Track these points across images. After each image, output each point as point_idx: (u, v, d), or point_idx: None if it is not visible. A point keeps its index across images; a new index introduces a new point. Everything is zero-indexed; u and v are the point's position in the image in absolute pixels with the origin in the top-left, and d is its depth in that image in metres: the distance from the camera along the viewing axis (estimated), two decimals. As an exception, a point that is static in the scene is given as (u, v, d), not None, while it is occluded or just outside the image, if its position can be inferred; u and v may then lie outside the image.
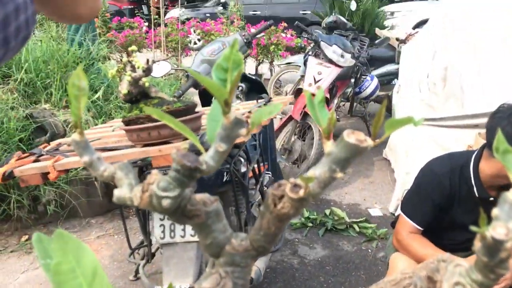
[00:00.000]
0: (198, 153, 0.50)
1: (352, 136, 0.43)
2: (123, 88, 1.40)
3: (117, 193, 0.53)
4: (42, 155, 1.63)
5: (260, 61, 6.88)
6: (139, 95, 1.45)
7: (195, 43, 9.28)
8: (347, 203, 3.48)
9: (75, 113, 0.52)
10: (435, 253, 1.70)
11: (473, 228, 0.35)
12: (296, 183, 0.45)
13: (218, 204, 0.51)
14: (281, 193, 0.46)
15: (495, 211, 0.34)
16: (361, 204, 3.47)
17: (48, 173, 1.45)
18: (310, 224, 3.12)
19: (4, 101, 2.91)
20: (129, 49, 1.42)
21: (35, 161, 1.58)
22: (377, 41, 4.43)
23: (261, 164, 2.36)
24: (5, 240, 2.86)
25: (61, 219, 3.01)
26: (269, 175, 2.67)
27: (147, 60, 1.40)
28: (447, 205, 1.80)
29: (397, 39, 5.05)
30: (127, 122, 1.43)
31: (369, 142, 0.43)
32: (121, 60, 1.44)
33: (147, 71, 1.40)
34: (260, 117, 0.48)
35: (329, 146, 0.44)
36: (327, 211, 3.25)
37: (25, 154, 1.65)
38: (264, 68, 7.18)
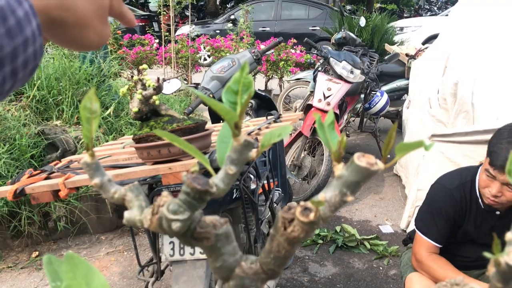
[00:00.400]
0: (207, 173, 0.50)
1: (362, 159, 0.43)
2: (134, 106, 1.41)
3: (127, 215, 0.53)
4: (53, 172, 1.64)
5: (270, 77, 6.91)
6: (149, 113, 1.46)
7: (205, 59, 9.36)
8: (357, 220, 3.45)
9: (86, 135, 0.53)
10: (455, 276, 1.69)
11: (486, 254, 0.34)
12: (306, 206, 0.44)
13: (228, 227, 0.51)
14: (291, 216, 0.46)
15: (509, 236, 0.34)
16: (371, 221, 3.44)
17: (59, 190, 1.46)
18: (321, 241, 3.09)
19: (17, 118, 2.95)
20: (140, 67, 1.43)
21: (46, 178, 1.59)
22: (387, 57, 4.44)
23: (271, 181, 2.36)
24: (15, 256, 2.86)
25: (71, 236, 3.02)
26: (279, 192, 2.66)
27: (158, 79, 1.41)
28: (459, 219, 1.79)
29: (407, 55, 5.05)
30: (137, 140, 1.44)
31: (379, 165, 0.43)
32: (132, 77, 1.45)
33: (157, 89, 1.41)
34: (270, 140, 0.48)
35: (340, 169, 0.44)
36: (338, 228, 3.22)
37: (37, 171, 1.67)
38: (273, 84, 7.21)
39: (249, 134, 1.76)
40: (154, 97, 1.42)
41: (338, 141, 0.43)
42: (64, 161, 1.84)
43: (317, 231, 3.16)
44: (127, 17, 0.58)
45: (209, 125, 2.15)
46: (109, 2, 0.51)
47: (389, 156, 0.42)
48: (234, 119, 0.45)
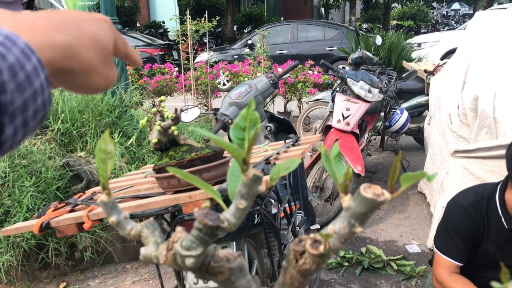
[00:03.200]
0: (218, 209, 0.51)
1: (369, 191, 0.43)
2: (153, 137, 1.44)
3: (143, 251, 0.55)
4: (77, 204, 1.68)
5: (288, 99, 6.94)
6: (168, 143, 1.48)
7: (224, 84, 9.48)
8: (383, 240, 3.40)
9: (102, 175, 0.55)
10: None
11: (494, 284, 0.34)
12: (316, 238, 0.45)
13: (241, 260, 0.52)
14: (302, 249, 0.46)
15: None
16: (397, 241, 3.38)
17: (83, 222, 1.49)
18: (346, 263, 3.05)
19: (42, 151, 3.02)
20: (158, 99, 1.47)
21: (71, 211, 1.62)
22: (404, 75, 4.42)
23: (292, 204, 2.35)
24: (44, 287, 2.90)
25: (97, 265, 3.05)
26: (301, 215, 2.65)
27: (175, 110, 1.44)
28: (477, 236, 1.75)
29: (426, 71, 5.02)
30: (157, 170, 1.47)
31: (386, 195, 0.43)
32: (153, 106, 1.49)
33: (176, 120, 1.44)
34: (278, 173, 0.49)
35: (347, 200, 0.44)
36: (363, 249, 3.17)
37: (61, 204, 1.70)
38: (292, 106, 7.24)
39: (267, 159, 1.77)
40: (173, 128, 1.45)
41: (344, 173, 0.44)
42: (88, 193, 1.88)
43: (342, 253, 3.12)
44: (132, 57, 0.60)
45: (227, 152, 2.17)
46: (113, 46, 0.53)
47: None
48: (242, 155, 0.46)
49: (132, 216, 1.83)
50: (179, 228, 0.52)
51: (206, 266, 0.51)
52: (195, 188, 1.46)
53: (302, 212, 2.69)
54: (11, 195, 2.73)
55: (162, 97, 1.50)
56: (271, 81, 2.94)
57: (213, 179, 1.45)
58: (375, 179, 4.55)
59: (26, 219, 2.68)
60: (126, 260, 3.14)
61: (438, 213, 3.16)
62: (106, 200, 0.55)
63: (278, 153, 1.91)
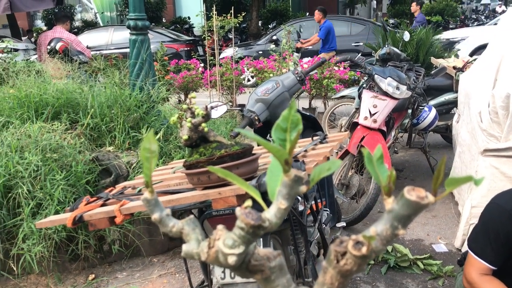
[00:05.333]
0: (257, 208, 0.52)
1: (412, 193, 0.43)
2: (184, 134, 1.46)
3: (185, 248, 0.56)
4: (109, 199, 1.71)
5: (313, 95, 6.91)
6: (198, 139, 1.50)
7: (248, 80, 9.50)
8: (409, 239, 3.36)
9: (146, 173, 0.56)
10: None
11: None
12: (358, 240, 0.45)
13: (281, 259, 0.53)
14: (343, 250, 0.47)
15: None
16: (424, 240, 3.34)
17: (115, 216, 1.53)
18: (372, 262, 3.03)
19: (73, 146, 3.09)
20: (189, 96, 1.49)
21: (103, 205, 1.66)
22: (433, 71, 4.35)
23: (319, 201, 2.35)
24: (73, 279, 2.98)
25: (125, 258, 3.11)
26: (327, 212, 2.64)
27: (206, 107, 1.46)
28: None
29: (455, 68, 4.93)
30: (188, 166, 1.48)
31: (430, 198, 0.43)
32: (179, 102, 1.51)
33: (206, 117, 1.46)
34: (319, 174, 0.49)
35: (390, 203, 0.44)
36: (389, 248, 3.15)
37: (93, 198, 1.74)
38: (317, 102, 7.20)
39: (295, 156, 1.77)
40: (203, 125, 1.46)
41: (387, 175, 0.44)
42: (118, 187, 1.92)
43: (367, 251, 3.10)
44: None
45: (256, 148, 2.18)
46: None
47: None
48: (284, 156, 0.47)
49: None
50: (220, 226, 0.53)
51: (246, 264, 0.52)
52: (225, 185, 1.48)
53: (328, 209, 2.68)
54: (42, 188, 2.80)
55: (193, 94, 1.52)
56: (298, 78, 2.92)
57: (242, 175, 1.47)
58: (401, 177, 4.51)
59: (57, 211, 2.75)
60: (152, 254, 3.19)
61: (466, 212, 3.11)
62: (150, 198, 0.57)
63: (305, 151, 1.91)
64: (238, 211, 0.50)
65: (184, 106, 1.50)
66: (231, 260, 0.48)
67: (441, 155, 3.94)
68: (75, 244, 2.87)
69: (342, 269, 0.47)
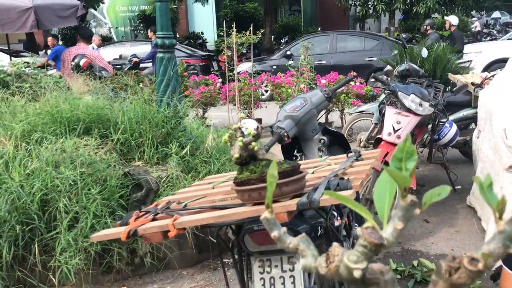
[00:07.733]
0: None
1: (523, 217, 0.50)
2: (235, 152, 1.54)
3: (303, 262, 0.63)
4: (157, 213, 1.79)
5: (330, 109, 6.99)
6: (248, 157, 1.58)
7: (262, 94, 9.62)
8: (434, 254, 3.40)
9: (268, 196, 0.64)
10: None
11: None
12: (473, 256, 0.52)
13: (392, 274, 0.60)
14: (457, 265, 0.53)
15: None
16: (449, 255, 3.35)
17: (168, 231, 1.60)
18: (398, 276, 3.07)
19: (105, 160, 3.18)
20: (239, 116, 1.57)
21: (153, 219, 1.73)
22: (455, 89, 4.42)
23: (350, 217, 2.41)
24: (105, 291, 3.05)
25: (155, 271, 3.17)
26: (356, 226, 2.70)
27: (257, 127, 1.53)
28: None
29: (473, 83, 4.99)
30: (238, 183, 1.56)
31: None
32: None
33: (257, 136, 1.53)
34: (431, 199, 0.57)
35: (502, 225, 0.51)
36: (415, 262, 3.19)
37: (142, 213, 1.82)
38: (334, 117, 7.28)
39: (336, 173, 1.84)
40: (253, 144, 1.54)
41: (498, 201, 0.51)
42: (163, 202, 1.99)
43: (394, 266, 3.14)
44: None
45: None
46: None
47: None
48: (407, 183, 0.54)
49: (209, 226, 1.93)
50: (336, 244, 0.61)
51: (361, 277, 0.59)
52: (274, 201, 1.54)
53: (356, 224, 2.74)
54: (78, 202, 2.89)
55: (242, 115, 1.60)
56: (326, 95, 3.01)
57: (291, 192, 1.54)
58: (422, 192, 4.54)
59: (92, 225, 2.83)
60: (182, 266, 3.25)
61: (492, 229, 3.15)
62: (269, 217, 0.65)
63: (344, 168, 1.98)
64: (360, 231, 0.57)
65: (235, 126, 1.58)
66: (357, 273, 0.55)
67: (461, 170, 3.96)
68: (110, 256, 2.94)
69: (455, 282, 0.54)
